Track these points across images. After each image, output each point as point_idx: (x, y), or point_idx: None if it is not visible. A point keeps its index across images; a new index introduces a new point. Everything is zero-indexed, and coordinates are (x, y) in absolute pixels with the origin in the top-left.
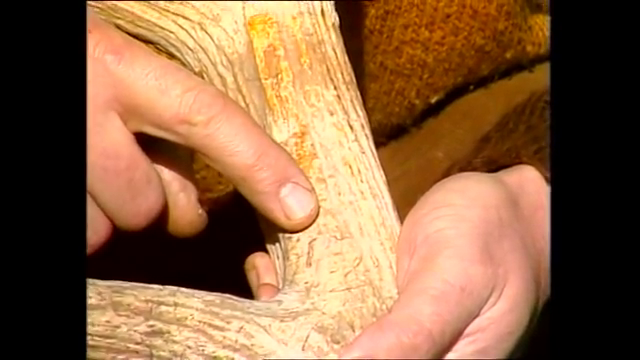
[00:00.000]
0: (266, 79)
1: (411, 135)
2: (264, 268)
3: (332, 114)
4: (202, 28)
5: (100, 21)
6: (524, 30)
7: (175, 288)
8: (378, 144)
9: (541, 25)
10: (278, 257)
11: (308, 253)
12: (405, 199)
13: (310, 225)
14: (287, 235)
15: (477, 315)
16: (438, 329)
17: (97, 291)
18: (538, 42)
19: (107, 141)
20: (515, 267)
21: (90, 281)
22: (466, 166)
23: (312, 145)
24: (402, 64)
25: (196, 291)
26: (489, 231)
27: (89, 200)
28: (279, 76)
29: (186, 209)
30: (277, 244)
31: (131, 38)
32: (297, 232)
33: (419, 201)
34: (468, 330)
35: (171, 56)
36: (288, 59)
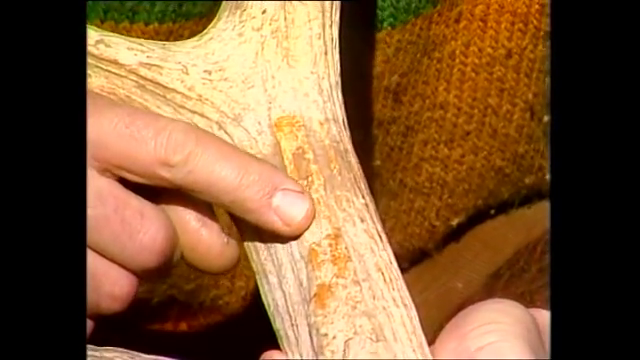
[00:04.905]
0: (296, 180)
1: (433, 261)
2: None
3: (363, 221)
4: (220, 127)
5: None
6: (545, 157)
7: None
8: (400, 270)
9: None
10: (307, 355)
11: (344, 351)
12: (423, 329)
13: (308, 228)
14: (322, 332)
15: None
16: None
17: None
18: None
19: (89, 194)
20: None
21: None
22: None
23: (346, 248)
24: (421, 182)
25: None
26: (535, 349)
27: (94, 255)
28: (309, 178)
29: (210, 242)
30: (307, 340)
31: (91, 91)
32: (298, 238)
33: (457, 319)
34: None
35: None
36: (317, 163)
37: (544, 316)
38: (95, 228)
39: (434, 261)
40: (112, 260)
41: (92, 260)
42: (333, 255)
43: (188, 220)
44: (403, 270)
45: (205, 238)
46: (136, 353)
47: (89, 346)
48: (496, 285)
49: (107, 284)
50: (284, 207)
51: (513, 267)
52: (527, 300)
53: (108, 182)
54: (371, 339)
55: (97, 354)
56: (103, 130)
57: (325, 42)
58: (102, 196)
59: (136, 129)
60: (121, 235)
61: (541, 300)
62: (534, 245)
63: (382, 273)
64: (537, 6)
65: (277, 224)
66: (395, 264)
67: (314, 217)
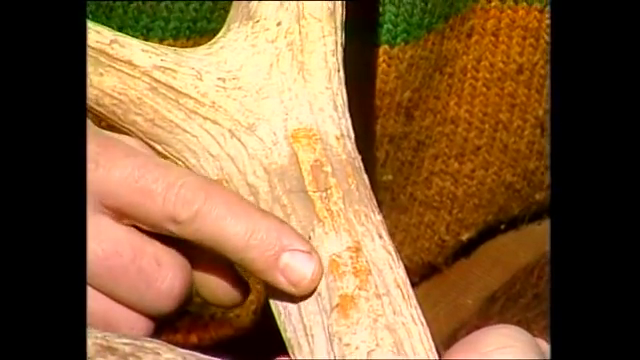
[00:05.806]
0: (314, 192)
1: (442, 276)
2: None
3: (380, 237)
4: (233, 135)
5: None
6: None
7: None
8: (411, 283)
9: None
10: None
11: None
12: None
13: (314, 290)
14: (345, 342)
15: None
16: None
17: None
18: None
19: (105, 242)
20: None
21: None
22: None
23: (367, 262)
24: (431, 196)
25: None
26: None
27: (110, 302)
28: (328, 191)
29: (221, 278)
30: (324, 350)
31: (107, 138)
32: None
33: (468, 343)
34: None
35: (182, 163)
36: (336, 177)
37: (545, 346)
38: (111, 277)
39: (443, 277)
40: (129, 307)
41: (109, 306)
42: (354, 267)
43: (199, 256)
44: (413, 284)
45: (215, 273)
46: (173, 346)
47: (131, 335)
48: (492, 309)
49: (124, 329)
50: (291, 268)
51: (509, 291)
52: (524, 329)
53: (125, 230)
54: (393, 352)
55: (138, 343)
56: (114, 181)
57: (338, 59)
58: (118, 246)
59: (146, 183)
60: (138, 285)
61: (538, 329)
62: (531, 269)
63: (401, 289)
64: (548, 21)
65: (284, 285)
66: (408, 283)
67: (321, 278)
